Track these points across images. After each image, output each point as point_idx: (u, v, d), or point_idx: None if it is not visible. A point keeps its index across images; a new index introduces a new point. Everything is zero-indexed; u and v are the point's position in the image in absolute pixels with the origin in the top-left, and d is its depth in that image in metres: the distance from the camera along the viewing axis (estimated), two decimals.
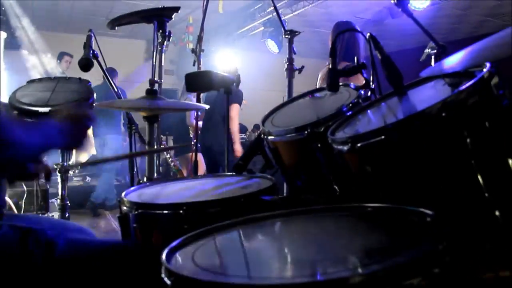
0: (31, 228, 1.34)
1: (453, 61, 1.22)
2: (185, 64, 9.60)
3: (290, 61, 2.32)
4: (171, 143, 8.27)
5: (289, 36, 2.34)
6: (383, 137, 1.06)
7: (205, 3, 2.86)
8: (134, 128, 2.54)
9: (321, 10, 7.65)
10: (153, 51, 2.39)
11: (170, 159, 3.78)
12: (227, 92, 2.12)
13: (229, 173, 1.92)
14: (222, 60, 8.67)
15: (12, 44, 7.54)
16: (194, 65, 3.10)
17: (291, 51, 2.34)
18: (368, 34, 1.48)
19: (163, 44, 2.49)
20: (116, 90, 2.62)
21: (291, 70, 2.33)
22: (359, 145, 1.12)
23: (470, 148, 1.02)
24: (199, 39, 3.07)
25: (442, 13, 7.96)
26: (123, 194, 1.60)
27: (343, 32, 1.55)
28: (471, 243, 1.02)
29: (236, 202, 1.38)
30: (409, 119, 1.04)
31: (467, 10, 8.19)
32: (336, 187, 1.56)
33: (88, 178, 7.44)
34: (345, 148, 1.16)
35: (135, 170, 2.55)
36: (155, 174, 2.45)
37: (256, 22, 8.06)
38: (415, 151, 1.06)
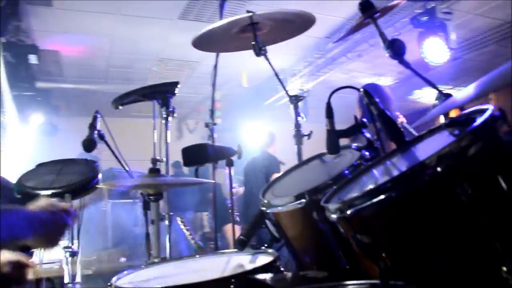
0: None
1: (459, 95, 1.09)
2: (217, 139, 9.67)
3: (297, 126, 2.22)
4: (206, 220, 8.17)
5: (294, 102, 2.25)
6: (373, 201, 0.91)
7: (213, 79, 2.83)
8: None
9: (343, 75, 7.66)
10: (154, 129, 2.35)
11: (190, 235, 3.63)
12: (229, 164, 2.01)
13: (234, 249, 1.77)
14: (251, 132, 8.69)
15: (48, 130, 7.80)
16: (208, 139, 3.04)
17: (297, 116, 2.24)
18: (361, 89, 1.36)
19: (168, 120, 2.46)
20: (127, 168, 2.58)
21: (299, 136, 2.22)
22: (348, 212, 0.97)
23: (476, 207, 0.85)
24: (211, 113, 3.02)
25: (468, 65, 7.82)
26: (114, 278, 1.48)
27: (335, 92, 1.43)
28: None
29: (224, 284, 1.23)
30: (399, 179, 0.89)
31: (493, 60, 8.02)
32: (346, 262, 1.39)
33: None
34: (335, 216, 1.01)
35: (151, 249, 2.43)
36: (168, 253, 2.35)
37: (280, 93, 8.11)
38: (411, 216, 0.90)
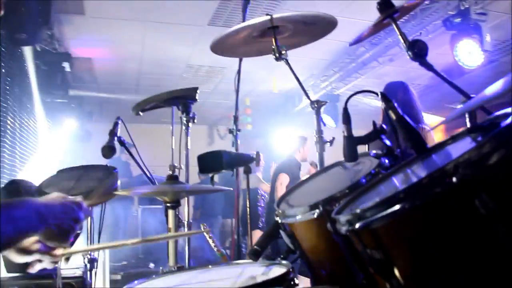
0: None
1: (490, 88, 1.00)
2: (247, 145, 9.69)
3: (319, 133, 2.15)
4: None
5: (316, 107, 2.18)
6: (384, 213, 0.84)
7: (236, 85, 2.79)
8: None
9: (375, 80, 7.51)
10: (172, 135, 2.32)
11: (213, 243, 3.58)
12: (247, 171, 1.96)
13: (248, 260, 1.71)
14: (281, 139, 8.64)
15: (81, 136, 7.95)
16: (232, 146, 3.00)
17: (319, 122, 2.17)
18: (379, 92, 1.28)
19: (188, 126, 2.43)
20: (149, 174, 2.57)
21: (320, 143, 2.14)
22: (357, 225, 0.90)
23: (496, 220, 0.77)
24: (235, 119, 2.97)
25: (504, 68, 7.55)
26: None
27: (352, 96, 1.37)
28: None
29: None
30: (411, 189, 0.82)
31: None
32: (363, 276, 1.31)
33: None
34: (345, 229, 0.95)
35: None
36: (187, 262, 2.31)
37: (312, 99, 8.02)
38: (425, 230, 0.82)
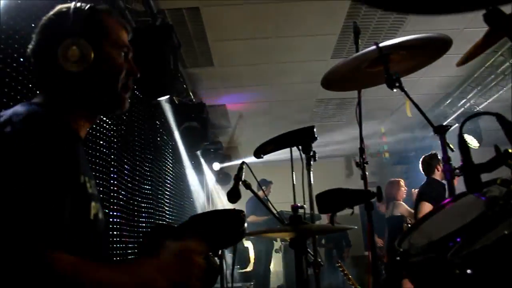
0: None
1: None
2: (385, 174, 9.37)
3: (446, 160, 1.98)
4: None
5: (440, 133, 2.02)
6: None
7: (358, 117, 2.72)
8: None
9: None
10: (292, 174, 2.32)
11: (349, 278, 3.48)
12: (368, 208, 1.88)
13: None
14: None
15: (221, 178, 8.41)
16: (361, 179, 2.92)
17: (445, 149, 2.00)
18: (495, 113, 1.15)
19: (310, 164, 2.42)
20: (276, 213, 2.60)
21: (449, 171, 1.96)
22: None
23: None
24: (361, 152, 2.88)
25: None
26: None
27: (468, 120, 1.25)
28: None
29: None
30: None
31: None
32: None
33: None
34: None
35: None
36: None
37: (449, 119, 7.51)
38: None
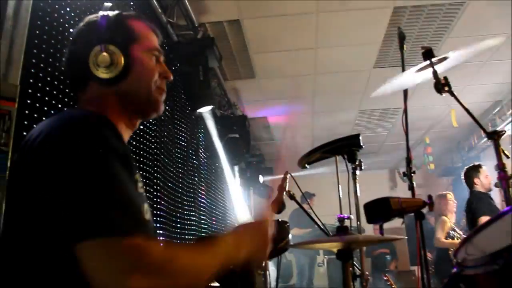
0: None
1: None
2: (430, 187, 9.08)
3: (501, 167, 1.88)
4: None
5: (493, 139, 1.92)
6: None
7: (404, 126, 2.63)
8: None
9: None
10: (338, 185, 2.27)
11: (392, 286, 3.36)
12: (419, 217, 1.80)
13: None
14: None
15: (262, 192, 8.37)
16: (409, 189, 2.83)
17: (499, 155, 1.90)
18: None
19: (355, 173, 2.36)
20: (322, 225, 2.55)
21: (505, 179, 1.86)
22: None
23: None
24: (407, 162, 2.81)
25: None
26: None
27: None
28: None
29: None
30: None
31: None
32: None
33: None
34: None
35: None
36: None
37: (498, 127, 7.24)
38: None
